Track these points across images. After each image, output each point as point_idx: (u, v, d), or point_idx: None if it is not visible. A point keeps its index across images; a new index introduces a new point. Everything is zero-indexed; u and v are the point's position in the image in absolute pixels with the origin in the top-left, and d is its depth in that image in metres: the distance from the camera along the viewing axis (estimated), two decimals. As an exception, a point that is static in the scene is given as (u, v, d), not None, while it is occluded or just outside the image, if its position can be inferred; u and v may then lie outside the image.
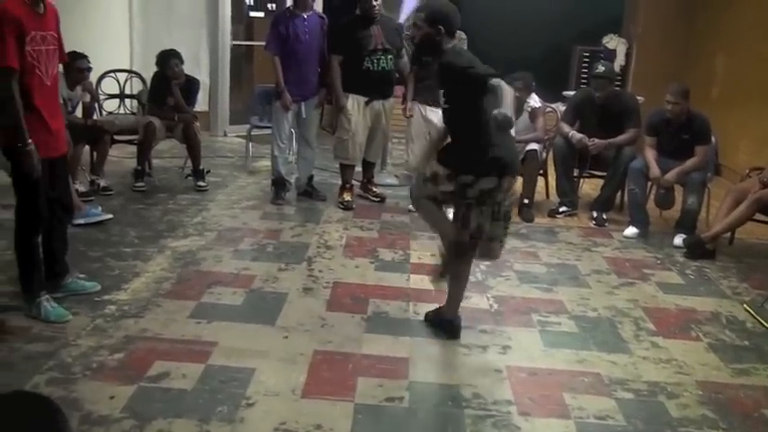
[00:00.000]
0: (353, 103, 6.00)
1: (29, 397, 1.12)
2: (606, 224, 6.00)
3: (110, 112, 6.97)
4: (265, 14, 10.00)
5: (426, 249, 5.15)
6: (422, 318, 3.98)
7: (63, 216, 3.96)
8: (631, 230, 5.76)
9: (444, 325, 3.81)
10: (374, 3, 5.81)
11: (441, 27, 3.47)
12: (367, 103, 6.00)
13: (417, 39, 3.66)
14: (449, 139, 3.67)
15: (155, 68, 6.47)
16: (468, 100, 3.40)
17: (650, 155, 5.79)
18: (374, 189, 6.49)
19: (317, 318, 3.92)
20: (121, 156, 6.95)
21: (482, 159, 3.43)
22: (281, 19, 6.01)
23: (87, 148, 6.08)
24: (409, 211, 6.09)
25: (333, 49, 6.00)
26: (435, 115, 5.89)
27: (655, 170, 5.69)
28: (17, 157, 3.46)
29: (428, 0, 3.73)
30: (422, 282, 4.52)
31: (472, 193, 3.47)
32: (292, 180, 6.37)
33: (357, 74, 5.91)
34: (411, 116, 6.14)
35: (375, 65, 5.90)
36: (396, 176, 7.18)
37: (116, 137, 6.40)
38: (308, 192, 6.36)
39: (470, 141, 3.47)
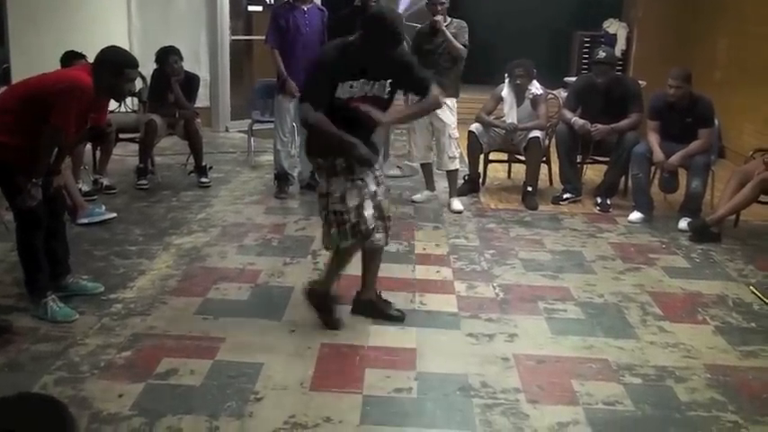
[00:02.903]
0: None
1: (35, 399, 1.12)
2: (610, 210, 5.99)
3: (111, 111, 6.95)
4: (264, 8, 9.98)
5: (431, 239, 5.16)
6: (428, 308, 3.98)
7: (60, 214, 3.98)
8: (636, 215, 5.75)
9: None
10: None
11: None
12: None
13: None
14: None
15: (154, 66, 6.46)
16: None
17: (653, 139, 5.76)
18: (377, 181, 6.46)
19: (323, 311, 3.91)
20: (124, 154, 6.95)
21: None
22: (281, 12, 5.99)
23: (89, 148, 6.08)
24: (412, 201, 6.11)
25: (333, 40, 5.97)
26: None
27: (658, 154, 5.67)
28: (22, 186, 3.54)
29: None
30: (427, 272, 4.53)
31: None
32: (295, 174, 6.36)
33: None
34: None
35: None
36: (398, 167, 7.17)
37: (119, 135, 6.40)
38: (311, 185, 6.32)
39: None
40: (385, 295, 4.12)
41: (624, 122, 5.97)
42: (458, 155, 6.05)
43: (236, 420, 2.87)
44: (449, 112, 5.89)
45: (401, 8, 8.61)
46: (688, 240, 5.31)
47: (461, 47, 5.79)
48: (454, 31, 5.83)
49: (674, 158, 5.62)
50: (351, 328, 3.72)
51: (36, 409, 1.05)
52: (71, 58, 5.52)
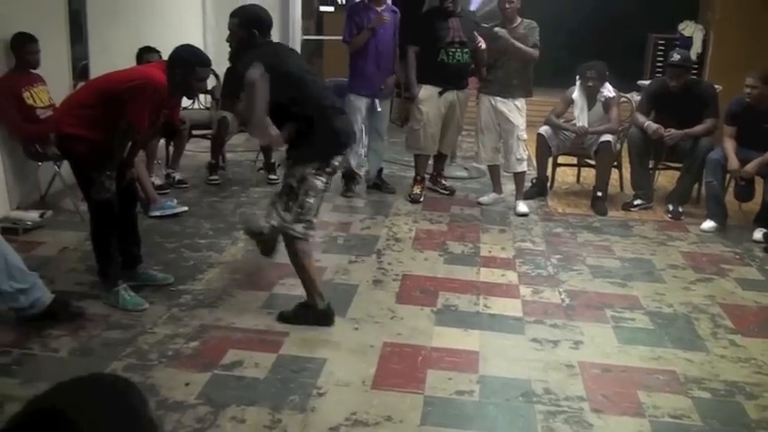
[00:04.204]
0: (426, 93, 5.97)
1: (109, 379, 1.15)
2: (682, 217, 5.84)
3: (184, 108, 7.11)
4: (335, 9, 10.08)
5: (497, 242, 5.12)
6: (492, 311, 3.95)
7: (132, 206, 4.09)
8: (709, 224, 5.59)
9: (318, 316, 3.70)
10: None
11: (254, 30, 3.60)
12: (440, 93, 5.96)
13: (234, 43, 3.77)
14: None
15: (228, 64, 6.56)
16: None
17: (729, 145, 5.60)
18: (443, 182, 6.46)
19: (386, 310, 3.93)
20: (196, 150, 7.10)
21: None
22: (357, 10, 5.99)
23: (162, 143, 6.23)
24: (479, 203, 6.07)
25: (410, 39, 5.98)
26: (505, 106, 5.83)
27: (733, 161, 5.50)
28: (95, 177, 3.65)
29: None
30: (492, 275, 4.49)
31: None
32: (362, 173, 6.39)
33: (432, 66, 5.87)
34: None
35: (450, 58, 5.84)
36: (465, 169, 7.14)
37: (192, 131, 6.55)
38: (378, 184, 6.37)
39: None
40: (448, 297, 4.12)
41: (699, 128, 5.81)
42: (525, 157, 5.99)
43: (299, 414, 2.91)
44: (517, 114, 5.83)
45: (473, 7, 8.57)
46: (763, 252, 5.14)
47: (530, 50, 5.72)
48: (524, 31, 5.77)
49: (751, 166, 5.45)
50: (414, 328, 3.72)
51: (110, 389, 1.08)
52: (145, 52, 5.68)
